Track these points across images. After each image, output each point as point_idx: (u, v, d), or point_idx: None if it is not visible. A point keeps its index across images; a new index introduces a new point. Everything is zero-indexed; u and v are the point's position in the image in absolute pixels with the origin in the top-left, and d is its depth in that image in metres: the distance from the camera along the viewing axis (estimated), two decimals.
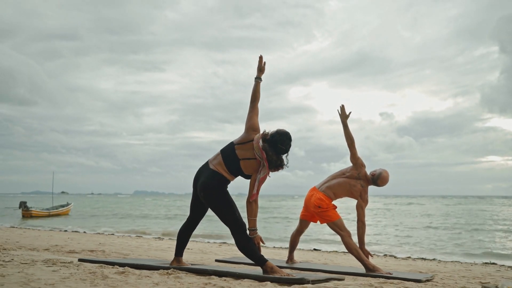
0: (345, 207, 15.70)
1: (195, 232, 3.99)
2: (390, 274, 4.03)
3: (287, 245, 6.16)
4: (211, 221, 12.94)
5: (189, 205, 3.84)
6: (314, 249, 9.42)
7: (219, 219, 3.58)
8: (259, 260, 3.44)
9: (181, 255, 3.85)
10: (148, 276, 3.18)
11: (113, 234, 12.38)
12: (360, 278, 3.77)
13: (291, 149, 3.57)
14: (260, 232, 3.64)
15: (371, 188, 4.48)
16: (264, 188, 3.61)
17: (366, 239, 4.54)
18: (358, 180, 4.36)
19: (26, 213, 22.65)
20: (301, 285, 3.10)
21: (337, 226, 4.29)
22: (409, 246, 10.98)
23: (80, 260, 4.06)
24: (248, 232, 3.51)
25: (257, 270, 3.54)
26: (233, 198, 3.57)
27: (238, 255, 5.40)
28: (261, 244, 3.56)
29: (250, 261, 3.78)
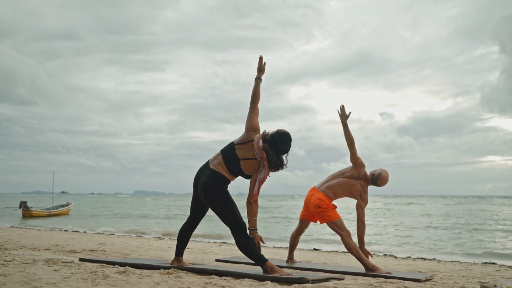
0: (345, 207, 15.70)
1: (195, 232, 4.01)
2: (390, 273, 4.05)
3: (287, 244, 6.17)
4: (211, 221, 12.96)
5: (189, 205, 3.86)
6: (314, 249, 9.44)
7: (219, 219, 3.60)
8: (259, 260, 3.46)
9: (182, 255, 3.86)
10: (149, 276, 3.19)
11: (113, 234, 12.39)
12: (360, 278, 3.79)
13: (291, 149, 3.59)
14: (260, 232, 3.66)
15: (371, 188, 4.50)
16: (264, 188, 3.63)
17: (366, 239, 4.56)
18: (358, 180, 4.37)
19: (27, 213, 22.68)
20: (301, 285, 3.11)
21: (337, 226, 4.31)
22: (409, 246, 10.99)
23: (81, 259, 4.08)
24: (248, 231, 3.53)
25: (257, 270, 3.56)
26: (233, 198, 3.59)
27: (238, 254, 5.41)
28: (261, 243, 3.57)
29: (250, 261, 3.79)
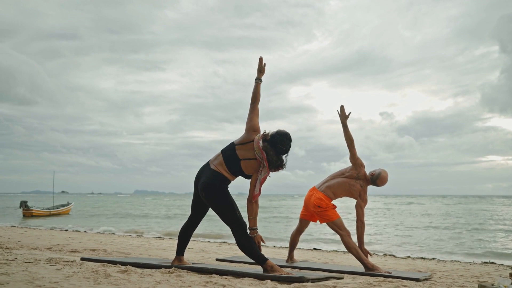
0: (345, 206, 15.75)
1: (196, 231, 4.04)
2: (389, 273, 4.07)
3: (287, 244, 6.22)
4: (211, 221, 13.00)
5: (190, 204, 3.89)
6: (314, 249, 9.47)
7: (219, 219, 3.63)
8: (260, 259, 3.49)
9: (183, 254, 3.89)
10: (150, 275, 3.22)
11: (113, 234, 12.43)
12: (359, 277, 3.81)
13: (291, 149, 3.62)
14: (261, 231, 3.68)
15: (371, 188, 4.52)
16: (264, 188, 3.66)
17: (366, 238, 4.59)
18: (358, 180, 4.40)
19: (27, 212, 22.74)
20: (300, 284, 3.14)
21: (337, 226, 4.33)
22: (408, 246, 11.02)
23: (82, 259, 4.11)
24: (248, 231, 3.56)
25: (258, 269, 3.58)
26: (234, 197, 3.62)
27: (239, 254, 5.44)
28: (261, 243, 3.60)
29: (251, 260, 3.82)
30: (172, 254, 5.27)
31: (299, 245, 5.49)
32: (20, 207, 23.77)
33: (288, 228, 15.65)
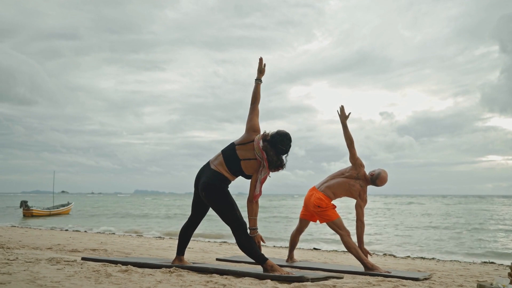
0: (345, 206, 15.76)
1: (196, 231, 4.05)
2: (389, 272, 4.09)
3: (287, 244, 6.23)
4: (211, 221, 13.01)
5: (190, 204, 3.91)
6: (314, 248, 9.50)
7: (219, 219, 3.65)
8: (260, 259, 3.50)
9: (183, 254, 3.91)
10: (151, 274, 3.24)
11: (114, 234, 12.45)
12: (359, 277, 3.83)
13: (291, 149, 3.64)
14: (261, 231, 3.70)
15: (371, 188, 4.54)
16: (264, 188, 3.67)
17: (366, 238, 4.61)
18: (357, 180, 4.42)
19: (27, 212, 22.78)
20: (300, 283, 3.16)
21: (336, 226, 4.35)
22: (408, 246, 11.03)
23: (83, 258, 4.13)
24: (248, 231, 3.58)
25: (258, 269, 3.60)
26: (234, 197, 3.64)
27: (239, 254, 5.46)
28: (261, 243, 3.62)
29: (251, 260, 3.84)
30: (172, 254, 5.29)
31: (299, 245, 5.50)
32: (21, 207, 23.81)
33: (288, 228, 15.67)
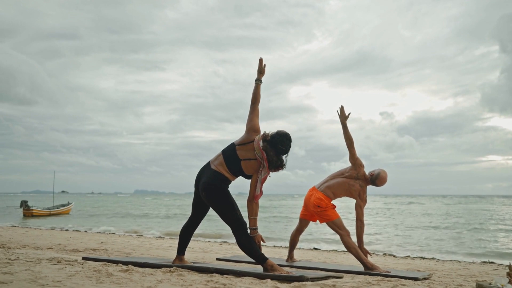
0: (345, 206, 15.78)
1: (196, 231, 4.07)
2: (388, 272, 4.10)
3: (287, 244, 6.25)
4: (211, 221, 13.02)
5: (190, 204, 3.92)
6: (314, 248, 9.52)
7: (220, 218, 3.66)
8: (260, 258, 3.52)
9: (183, 254, 3.92)
10: (151, 274, 3.25)
11: (114, 233, 12.47)
12: (359, 276, 3.85)
13: (291, 149, 3.65)
14: (261, 231, 3.71)
15: (371, 188, 4.55)
16: (264, 188, 3.69)
17: (366, 238, 4.62)
18: (357, 180, 4.43)
19: (27, 212, 22.80)
20: (300, 283, 3.17)
21: (336, 225, 4.36)
22: (408, 245, 11.05)
23: (84, 258, 4.14)
24: (249, 231, 3.59)
25: (258, 268, 3.62)
26: (234, 197, 3.65)
27: (239, 253, 5.47)
28: (261, 242, 3.63)
29: (251, 260, 3.85)
30: (172, 254, 5.31)
31: (299, 244, 5.52)
32: (21, 207, 23.83)
33: (288, 228, 15.69)
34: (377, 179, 4.43)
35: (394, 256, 8.39)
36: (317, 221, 4.56)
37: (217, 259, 5.07)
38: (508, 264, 3.22)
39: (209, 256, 5.76)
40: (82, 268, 3.39)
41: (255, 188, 3.59)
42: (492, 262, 7.70)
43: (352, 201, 4.49)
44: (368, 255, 4.45)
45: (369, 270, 4.14)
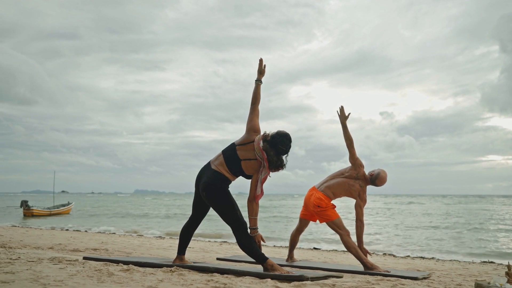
0: (345, 206, 15.80)
1: (196, 231, 4.08)
2: (388, 272, 4.11)
3: (287, 243, 6.26)
4: (211, 221, 13.04)
5: (190, 204, 3.94)
6: (314, 248, 9.53)
7: (220, 218, 3.68)
8: (260, 258, 3.53)
9: (184, 253, 3.94)
10: (152, 274, 3.27)
11: (114, 233, 12.48)
12: (358, 276, 3.86)
13: (291, 149, 3.67)
14: (261, 231, 3.73)
15: (371, 187, 4.57)
16: (265, 188, 3.70)
17: (366, 238, 4.63)
18: (357, 180, 4.45)
19: (28, 212, 22.82)
20: (300, 282, 3.19)
21: (336, 225, 4.38)
22: (408, 245, 11.06)
23: (85, 258, 4.16)
24: (249, 230, 3.61)
25: (258, 268, 3.63)
26: (234, 197, 3.67)
27: (239, 253, 5.49)
28: (261, 242, 3.65)
29: (251, 259, 3.86)
30: (172, 254, 5.32)
31: (299, 244, 5.54)
32: (21, 207, 23.84)
33: (288, 228, 15.71)
34: (377, 179, 4.44)
35: (394, 256, 8.40)
36: (317, 221, 4.57)
37: (218, 258, 5.09)
38: (507, 263, 3.23)
39: (210, 256, 5.77)
40: (83, 267, 3.40)
41: (255, 188, 3.60)
42: (492, 262, 7.71)
43: (352, 201, 4.50)
44: (368, 254, 4.46)
45: (368, 269, 4.16)
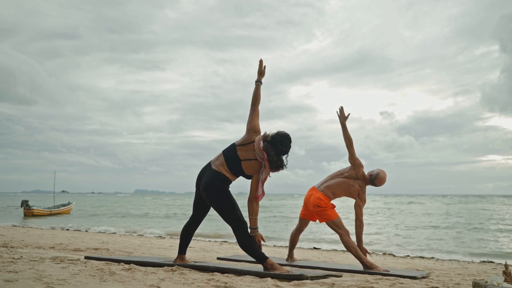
0: (345, 206, 15.82)
1: (196, 231, 4.11)
2: (387, 271, 4.14)
3: (287, 243, 6.28)
4: (211, 220, 13.06)
5: (190, 204, 3.97)
6: (314, 248, 9.56)
7: (220, 218, 3.71)
8: (260, 258, 3.56)
9: (184, 253, 3.97)
10: (153, 273, 3.30)
11: (115, 233, 12.51)
12: (358, 275, 3.89)
13: (291, 149, 3.70)
14: (261, 230, 3.76)
15: (371, 187, 4.59)
16: (265, 188, 3.73)
17: (366, 238, 4.66)
18: (356, 180, 4.47)
19: (28, 212, 22.84)
20: (300, 281, 3.21)
21: (336, 225, 4.41)
22: (408, 245, 11.09)
23: (86, 257, 4.19)
24: (249, 230, 3.64)
25: (258, 267, 3.66)
26: (234, 197, 3.70)
27: (239, 253, 5.52)
28: (261, 242, 3.68)
29: (251, 259, 3.89)
30: (173, 253, 5.35)
31: (299, 244, 5.56)
32: (21, 207, 23.87)
33: (288, 228, 15.73)
34: (376, 179, 4.47)
35: (393, 255, 8.43)
36: (317, 221, 4.60)
37: (218, 258, 5.12)
38: (504, 263, 3.27)
39: (210, 255, 5.80)
40: (85, 267, 3.44)
41: (256, 188, 3.63)
42: (491, 262, 7.74)
43: (352, 201, 4.53)
44: (367, 254, 4.49)
45: (368, 269, 4.18)
